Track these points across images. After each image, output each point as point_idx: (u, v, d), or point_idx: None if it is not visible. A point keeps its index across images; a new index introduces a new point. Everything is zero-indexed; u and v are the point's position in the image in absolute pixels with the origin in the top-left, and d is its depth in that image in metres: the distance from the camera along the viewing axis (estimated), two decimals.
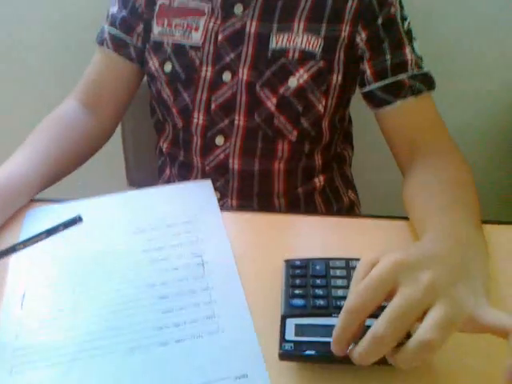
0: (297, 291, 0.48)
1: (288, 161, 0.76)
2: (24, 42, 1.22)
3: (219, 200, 0.78)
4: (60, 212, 0.63)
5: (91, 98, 0.79)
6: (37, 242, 0.49)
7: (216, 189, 0.77)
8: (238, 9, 0.70)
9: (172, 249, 0.57)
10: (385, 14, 0.69)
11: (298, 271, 0.51)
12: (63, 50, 1.22)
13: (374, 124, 1.28)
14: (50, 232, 0.50)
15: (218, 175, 0.77)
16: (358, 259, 0.43)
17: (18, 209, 0.64)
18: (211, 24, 0.71)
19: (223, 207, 0.78)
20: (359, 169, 0.95)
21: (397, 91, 0.70)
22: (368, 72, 0.71)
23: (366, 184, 0.94)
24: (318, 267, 0.51)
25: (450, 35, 1.12)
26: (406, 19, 0.72)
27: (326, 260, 0.52)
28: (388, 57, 0.70)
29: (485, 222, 0.56)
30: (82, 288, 0.53)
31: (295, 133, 0.74)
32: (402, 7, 0.72)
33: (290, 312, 0.47)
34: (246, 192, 0.78)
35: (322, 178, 0.81)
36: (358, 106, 0.95)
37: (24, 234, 0.60)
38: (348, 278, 0.49)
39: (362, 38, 0.70)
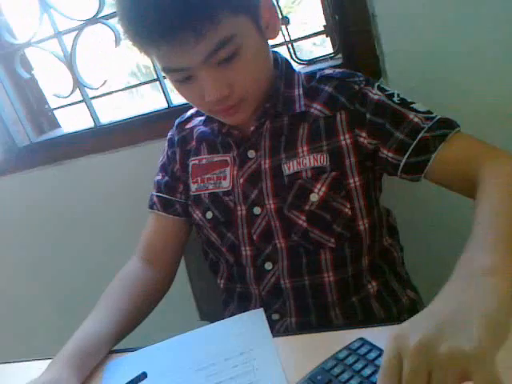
0: None
1: (335, 269, 0.80)
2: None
3: (279, 320, 0.83)
4: (133, 362, 0.71)
5: (148, 254, 0.90)
6: None
7: (275, 311, 0.83)
8: (252, 154, 0.81)
9: (231, 381, 0.62)
10: (370, 106, 0.75)
11: None
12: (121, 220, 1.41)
13: (418, 214, 1.26)
14: None
15: (275, 297, 0.83)
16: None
17: (96, 364, 0.72)
18: (235, 171, 0.83)
19: (282, 328, 0.82)
20: (414, 264, 0.94)
21: (426, 148, 0.71)
22: (390, 155, 0.74)
23: (425, 279, 0.93)
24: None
25: None
26: (393, 95, 0.76)
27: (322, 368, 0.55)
28: (397, 133, 0.73)
29: None
30: None
31: (332, 240, 0.78)
32: (382, 89, 0.77)
33: None
34: (303, 308, 0.82)
35: (374, 283, 0.82)
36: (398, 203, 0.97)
37: None
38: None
39: (363, 137, 0.76)
